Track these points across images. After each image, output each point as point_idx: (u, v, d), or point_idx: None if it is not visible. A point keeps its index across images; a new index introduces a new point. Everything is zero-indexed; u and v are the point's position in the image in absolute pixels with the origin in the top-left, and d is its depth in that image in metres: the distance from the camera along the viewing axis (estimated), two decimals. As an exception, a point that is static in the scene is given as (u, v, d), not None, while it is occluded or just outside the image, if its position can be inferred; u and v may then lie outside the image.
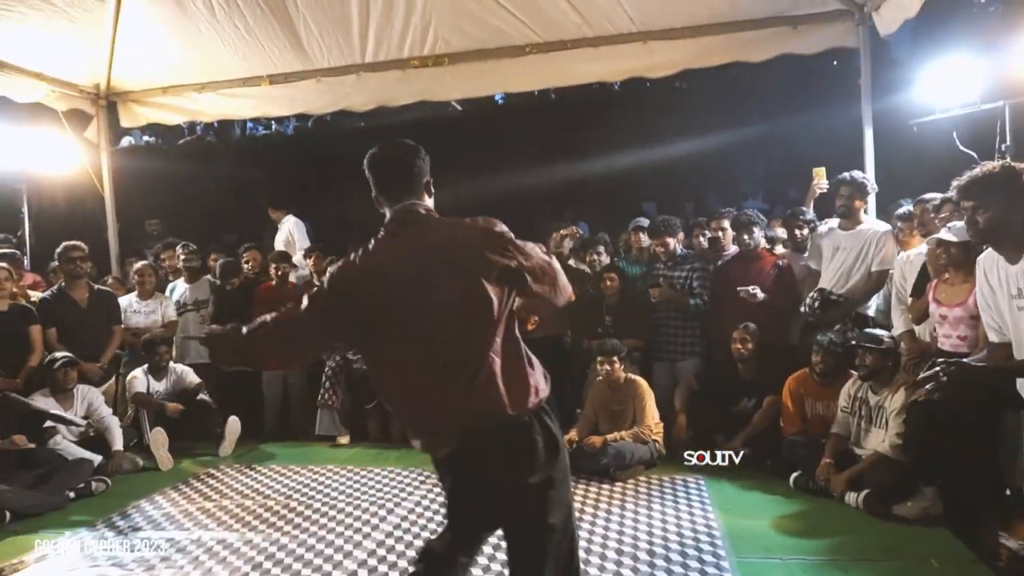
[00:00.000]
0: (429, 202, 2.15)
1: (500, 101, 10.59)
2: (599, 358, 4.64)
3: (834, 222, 4.71)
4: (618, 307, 5.26)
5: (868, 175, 4.79)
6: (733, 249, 5.28)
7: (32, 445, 4.28)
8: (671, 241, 5.20)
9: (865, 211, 4.63)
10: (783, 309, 4.87)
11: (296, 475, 4.73)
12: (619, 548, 3.41)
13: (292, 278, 6.06)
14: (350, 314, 2.04)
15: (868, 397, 4.03)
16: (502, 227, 2.05)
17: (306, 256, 6.05)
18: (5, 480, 4.05)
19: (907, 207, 4.63)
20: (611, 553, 3.35)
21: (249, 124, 12.42)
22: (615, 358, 4.60)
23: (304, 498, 4.27)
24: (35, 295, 5.38)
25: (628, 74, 5.75)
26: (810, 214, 5.06)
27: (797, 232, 5.07)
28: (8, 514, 3.94)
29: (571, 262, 5.79)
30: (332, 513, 4.00)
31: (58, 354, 4.81)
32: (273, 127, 12.73)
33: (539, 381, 2.08)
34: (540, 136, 10.61)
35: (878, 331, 4.11)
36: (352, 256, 2.08)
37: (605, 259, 5.70)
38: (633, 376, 4.72)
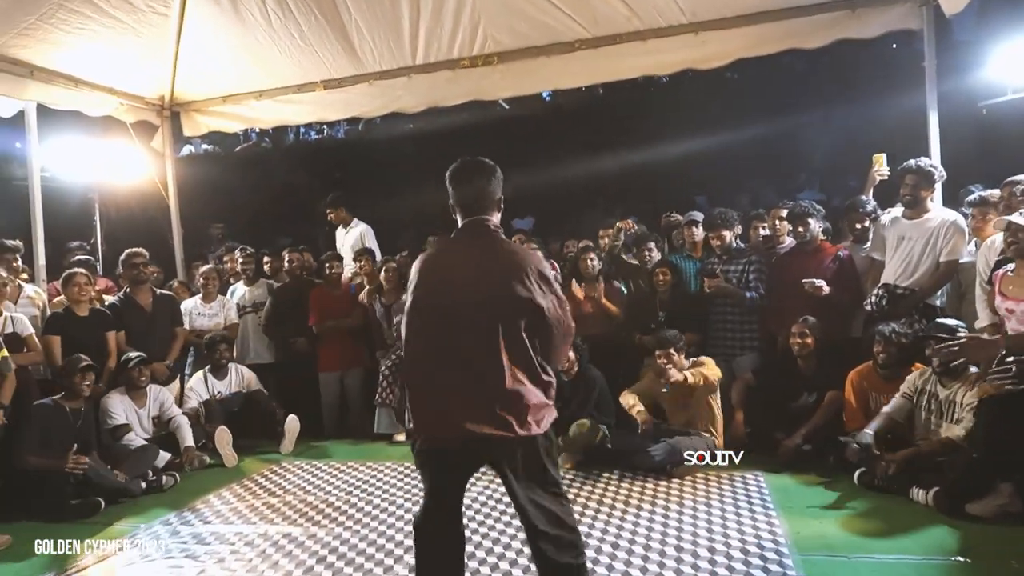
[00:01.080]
0: (496, 217, 2.45)
1: (547, 98, 10.58)
2: (656, 352, 4.47)
3: (898, 211, 4.53)
4: (671, 302, 5.19)
5: (934, 162, 4.61)
6: (790, 241, 5.16)
7: (84, 468, 4.25)
8: (727, 234, 5.10)
9: (932, 200, 4.45)
10: (845, 302, 4.73)
11: (355, 472, 4.84)
12: (679, 545, 3.37)
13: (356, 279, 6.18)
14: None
15: (938, 391, 3.88)
16: (543, 265, 2.36)
17: (355, 259, 6.15)
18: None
19: (978, 193, 4.43)
20: (670, 550, 3.32)
21: (302, 129, 12.72)
22: (671, 349, 4.41)
23: (364, 494, 4.37)
24: (109, 299, 5.63)
25: (680, 66, 5.61)
26: (871, 205, 4.90)
27: (858, 224, 4.92)
28: (103, 502, 4.16)
29: (623, 256, 5.77)
30: (391, 508, 4.08)
31: (132, 354, 5.03)
32: (325, 131, 13.03)
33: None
34: (588, 132, 10.55)
35: (950, 320, 3.93)
36: (427, 252, 2.53)
37: (656, 255, 5.65)
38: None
